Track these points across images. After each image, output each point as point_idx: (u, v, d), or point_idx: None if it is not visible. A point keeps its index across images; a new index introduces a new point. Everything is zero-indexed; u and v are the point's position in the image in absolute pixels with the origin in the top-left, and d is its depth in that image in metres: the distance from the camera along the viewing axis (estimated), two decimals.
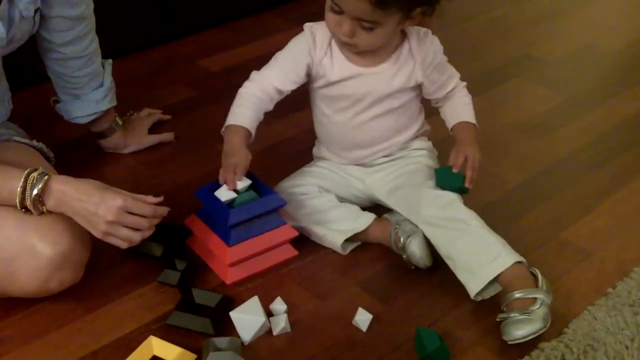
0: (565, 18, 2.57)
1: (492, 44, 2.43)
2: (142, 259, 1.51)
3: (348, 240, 1.54)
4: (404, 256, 1.49)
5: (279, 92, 1.54)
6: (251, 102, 1.52)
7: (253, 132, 1.52)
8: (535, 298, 1.34)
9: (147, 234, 1.37)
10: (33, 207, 1.30)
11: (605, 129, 2.02)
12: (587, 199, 1.75)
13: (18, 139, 1.51)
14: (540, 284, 1.36)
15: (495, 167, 1.80)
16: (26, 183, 1.29)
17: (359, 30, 1.42)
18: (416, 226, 1.48)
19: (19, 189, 1.29)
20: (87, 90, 1.70)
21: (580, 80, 2.25)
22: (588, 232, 1.65)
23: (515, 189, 1.77)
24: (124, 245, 1.36)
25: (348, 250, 1.55)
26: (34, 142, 1.54)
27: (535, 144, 1.94)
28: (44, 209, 1.31)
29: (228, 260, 1.45)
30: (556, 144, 1.95)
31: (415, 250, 1.46)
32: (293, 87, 1.54)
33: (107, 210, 1.30)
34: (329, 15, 1.44)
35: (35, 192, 1.29)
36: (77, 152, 1.80)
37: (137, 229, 1.35)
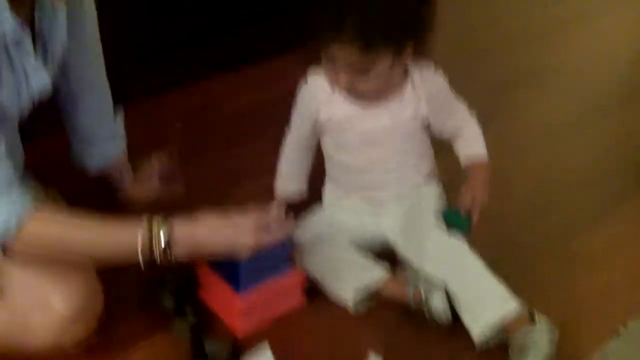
0: (576, 29, 2.54)
1: (505, 54, 2.41)
2: (153, 309, 1.52)
3: (361, 298, 1.52)
4: (426, 312, 1.46)
5: (308, 143, 1.65)
6: (287, 166, 1.69)
7: (293, 191, 1.69)
8: (534, 333, 1.35)
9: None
10: (162, 256, 1.29)
11: (617, 139, 2.01)
12: (598, 209, 1.75)
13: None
14: (536, 320, 1.38)
15: (507, 178, 1.79)
16: (151, 233, 1.29)
17: (355, 77, 1.45)
18: (436, 281, 1.46)
19: (141, 240, 1.28)
20: (99, 138, 1.73)
21: (593, 90, 2.23)
22: (598, 242, 1.65)
23: (526, 198, 1.78)
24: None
25: (360, 309, 1.53)
26: (48, 195, 1.56)
27: (547, 153, 1.94)
28: (172, 258, 1.30)
29: (239, 306, 1.46)
30: (568, 154, 1.95)
31: (439, 305, 1.44)
32: (315, 137, 1.63)
33: (247, 236, 1.34)
34: (326, 67, 1.49)
35: (163, 241, 1.28)
36: (89, 201, 1.81)
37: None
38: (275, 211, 1.44)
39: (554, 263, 1.57)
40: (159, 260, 1.30)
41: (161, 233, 1.29)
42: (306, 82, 1.59)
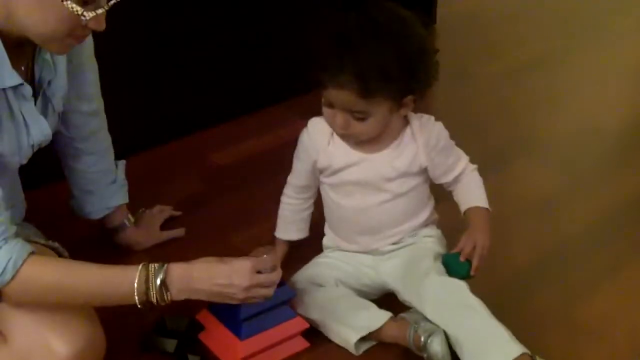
0: (565, 99, 2.58)
1: (496, 126, 2.44)
2: (155, 355, 1.51)
3: (362, 340, 1.51)
4: (425, 356, 1.44)
5: (308, 188, 1.66)
6: (287, 211, 1.70)
7: (294, 236, 1.71)
8: None
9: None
10: (159, 296, 1.30)
11: (611, 207, 2.02)
12: (597, 278, 1.75)
13: (36, 239, 1.54)
14: None
15: (504, 248, 1.80)
16: (148, 272, 1.30)
17: (352, 121, 1.48)
18: (436, 325, 1.45)
19: (137, 280, 1.29)
20: (100, 186, 1.74)
21: (584, 160, 2.25)
22: (599, 311, 1.64)
23: (525, 269, 1.77)
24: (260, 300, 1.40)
25: (361, 351, 1.52)
26: (50, 243, 1.57)
27: (543, 224, 1.94)
28: (169, 298, 1.32)
29: (240, 354, 1.46)
30: (564, 224, 1.95)
31: (438, 349, 1.42)
32: (315, 182, 1.64)
33: (241, 277, 1.34)
34: (324, 109, 1.51)
35: (159, 279, 1.29)
36: (91, 250, 1.82)
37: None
38: (271, 257, 1.44)
39: (555, 334, 1.57)
40: (154, 300, 1.30)
41: (157, 272, 1.30)
42: (307, 127, 1.61)
